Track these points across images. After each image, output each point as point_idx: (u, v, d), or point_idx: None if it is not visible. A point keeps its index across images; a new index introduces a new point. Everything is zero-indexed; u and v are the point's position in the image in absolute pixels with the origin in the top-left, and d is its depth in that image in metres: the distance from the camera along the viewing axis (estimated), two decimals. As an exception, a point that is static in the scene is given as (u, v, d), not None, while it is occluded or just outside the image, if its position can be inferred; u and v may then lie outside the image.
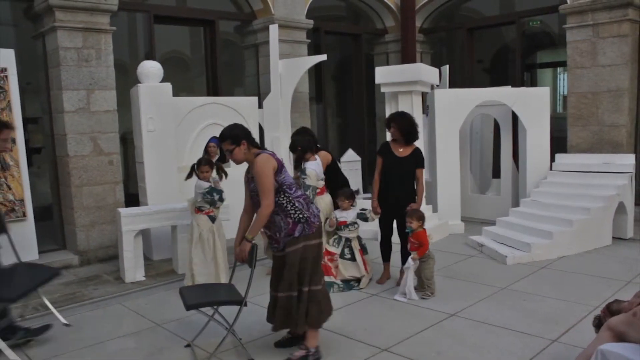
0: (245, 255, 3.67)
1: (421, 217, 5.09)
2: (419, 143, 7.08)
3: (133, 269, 5.93)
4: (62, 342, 4.26)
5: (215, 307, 3.94)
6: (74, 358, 3.98)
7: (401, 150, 5.40)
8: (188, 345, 4.09)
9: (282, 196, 3.66)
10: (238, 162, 3.78)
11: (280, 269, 3.77)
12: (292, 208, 3.67)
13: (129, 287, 5.70)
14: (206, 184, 5.39)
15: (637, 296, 2.93)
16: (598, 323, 3.15)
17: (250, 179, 3.77)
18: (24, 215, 6.31)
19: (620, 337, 2.82)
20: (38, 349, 4.15)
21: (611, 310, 3.10)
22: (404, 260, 5.45)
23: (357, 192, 5.80)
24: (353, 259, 5.42)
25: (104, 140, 6.85)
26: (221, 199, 5.44)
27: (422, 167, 5.43)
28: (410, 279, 5.00)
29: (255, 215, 3.73)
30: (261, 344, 4.08)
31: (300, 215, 3.67)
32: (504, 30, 11.20)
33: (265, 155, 3.67)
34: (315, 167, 5.53)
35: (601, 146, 7.99)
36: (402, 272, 5.46)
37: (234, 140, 3.69)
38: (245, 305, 3.80)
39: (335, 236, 5.48)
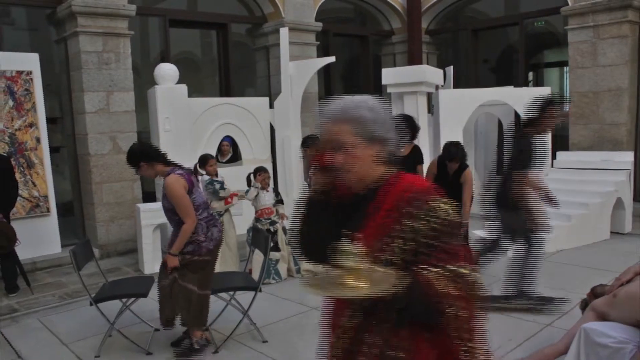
0: (169, 267, 3.79)
1: None
2: (424, 142, 7.40)
3: (151, 261, 6.26)
4: (89, 325, 4.59)
5: (231, 293, 4.26)
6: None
7: (402, 150, 5.63)
8: (206, 329, 4.39)
9: None
10: (151, 177, 3.97)
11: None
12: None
13: (148, 278, 6.03)
14: (207, 177, 5.71)
15: (618, 279, 3.21)
16: (584, 305, 3.43)
17: (163, 197, 3.86)
18: (48, 210, 6.67)
19: (602, 317, 3.10)
20: None
21: (595, 293, 3.38)
22: None
23: None
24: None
25: (123, 139, 7.18)
26: (222, 188, 5.72)
27: (422, 163, 5.71)
28: None
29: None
30: (275, 328, 4.39)
31: (195, 238, 3.79)
32: (508, 31, 11.43)
33: (174, 175, 3.73)
34: None
35: (602, 144, 8.22)
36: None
37: (132, 164, 3.85)
38: (260, 291, 4.12)
39: None
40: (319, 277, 1.51)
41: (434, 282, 1.49)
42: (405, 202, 1.55)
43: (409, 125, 5.62)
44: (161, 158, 3.86)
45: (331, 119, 1.64)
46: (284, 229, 5.78)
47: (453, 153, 5.27)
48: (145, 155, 3.81)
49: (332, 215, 1.71)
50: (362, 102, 1.64)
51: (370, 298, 1.47)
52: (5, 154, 6.03)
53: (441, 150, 5.56)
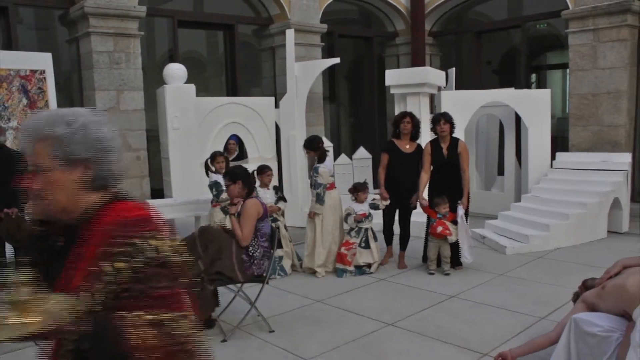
0: None
1: (447, 203, 5.78)
2: (426, 142, 7.57)
3: (160, 255, 6.43)
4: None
5: (239, 285, 4.44)
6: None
7: (407, 147, 6.02)
8: (214, 320, 4.58)
9: (253, 240, 4.31)
10: (232, 197, 4.50)
11: None
12: (252, 250, 4.31)
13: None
14: (213, 177, 5.86)
15: (607, 272, 3.37)
16: (576, 297, 3.60)
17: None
18: (60, 206, 6.84)
19: (592, 308, 3.27)
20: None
21: (586, 285, 3.54)
22: (402, 246, 6.09)
23: (365, 183, 6.28)
24: (367, 247, 5.91)
25: (132, 137, 7.38)
26: (217, 196, 5.80)
27: None
28: (464, 226, 5.70)
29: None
30: (280, 319, 4.57)
31: (252, 254, 4.29)
32: (510, 34, 11.58)
33: (255, 200, 4.42)
34: (329, 163, 6.03)
35: (601, 145, 8.38)
36: (401, 256, 6.10)
37: (232, 177, 4.50)
38: (267, 283, 4.30)
39: (356, 227, 5.95)
40: None
41: (128, 329, 1.25)
42: (108, 238, 1.32)
43: (414, 124, 6.00)
44: (252, 189, 4.57)
45: (28, 137, 1.38)
46: (285, 226, 5.98)
47: (440, 114, 5.97)
48: (247, 179, 4.52)
49: (51, 250, 1.44)
50: (61, 116, 1.38)
51: (45, 335, 1.21)
52: (20, 151, 6.22)
53: (430, 122, 6.07)
